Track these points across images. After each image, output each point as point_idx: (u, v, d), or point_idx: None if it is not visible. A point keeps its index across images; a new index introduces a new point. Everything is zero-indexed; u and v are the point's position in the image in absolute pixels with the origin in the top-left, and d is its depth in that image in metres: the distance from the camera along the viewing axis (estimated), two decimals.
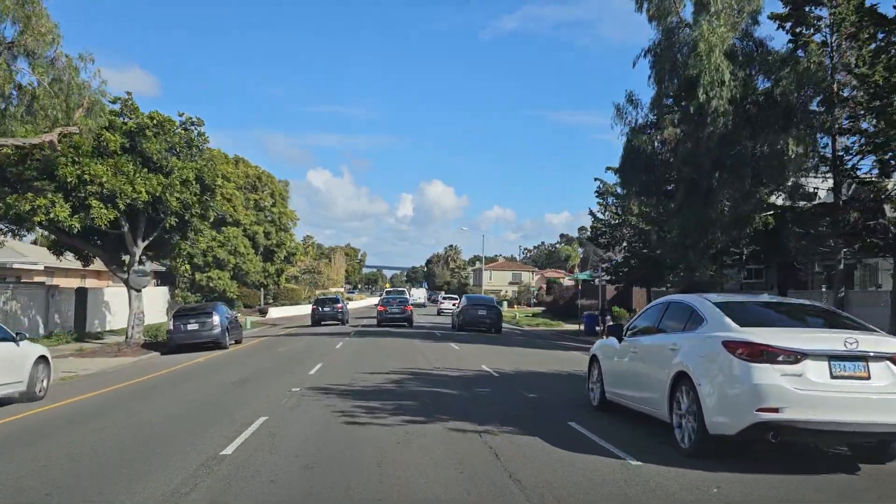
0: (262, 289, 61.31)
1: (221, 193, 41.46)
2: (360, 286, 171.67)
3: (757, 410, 6.53)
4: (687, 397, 7.34)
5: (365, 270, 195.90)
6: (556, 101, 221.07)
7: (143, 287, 26.12)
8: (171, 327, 24.05)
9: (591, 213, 37.26)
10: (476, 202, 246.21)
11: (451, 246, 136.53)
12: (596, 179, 36.96)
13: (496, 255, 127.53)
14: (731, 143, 22.44)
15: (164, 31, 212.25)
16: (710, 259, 23.04)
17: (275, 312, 57.58)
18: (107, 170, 22.00)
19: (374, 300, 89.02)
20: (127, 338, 25.46)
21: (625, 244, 36.46)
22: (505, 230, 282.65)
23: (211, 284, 40.53)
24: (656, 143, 23.96)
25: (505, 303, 73.85)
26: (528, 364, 18.11)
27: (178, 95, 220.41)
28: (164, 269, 43.05)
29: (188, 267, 38.73)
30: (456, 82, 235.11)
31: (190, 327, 24.01)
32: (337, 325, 38.71)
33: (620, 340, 9.64)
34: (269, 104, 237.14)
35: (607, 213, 36.58)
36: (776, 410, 6.47)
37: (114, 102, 24.14)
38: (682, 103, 23.98)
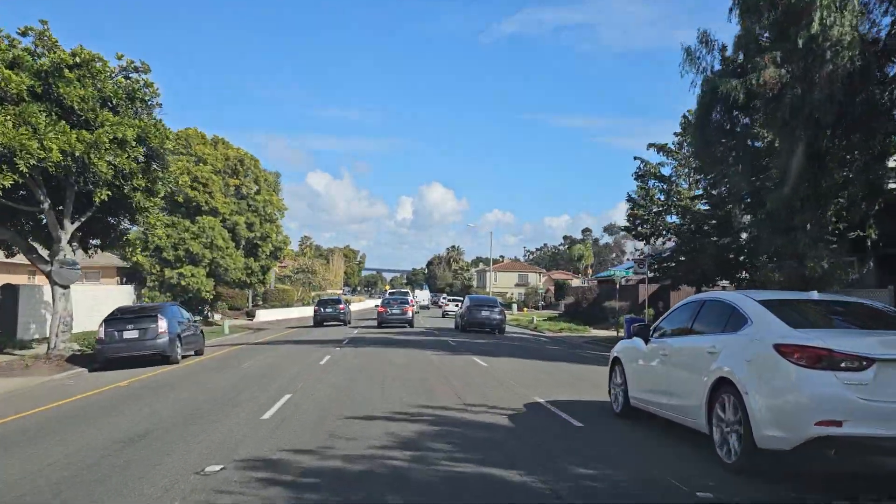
0: (249, 289, 55.26)
1: (197, 178, 35.27)
2: (359, 288, 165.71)
3: (816, 424, 5.58)
4: (730, 407, 6.33)
5: (364, 273, 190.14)
6: (556, 105, 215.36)
7: (72, 282, 19.82)
8: (102, 335, 17.75)
9: (630, 199, 31.01)
10: (476, 205, 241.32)
11: (453, 247, 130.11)
12: (636, 159, 30.80)
13: (501, 257, 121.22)
14: (858, 87, 16.24)
15: (163, 33, 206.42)
16: (826, 243, 16.74)
17: (263, 315, 51.29)
18: (4, 119, 15.74)
19: (373, 302, 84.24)
20: (49, 348, 19.19)
21: (670, 235, 30.21)
22: (505, 233, 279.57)
23: (183, 283, 34.21)
24: (741, 94, 17.65)
25: (514, 305, 67.52)
26: (604, 394, 11.79)
27: (177, 97, 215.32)
28: (128, 264, 36.75)
29: (141, 258, 32.53)
30: (456, 86, 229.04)
31: (127, 335, 17.75)
32: (340, 325, 36.97)
33: (647, 342, 8.56)
34: (269, 107, 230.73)
35: (648, 198, 30.34)
36: (838, 424, 5.54)
37: (24, 34, 17.89)
38: (780, 42, 17.78)
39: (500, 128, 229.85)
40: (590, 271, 79.11)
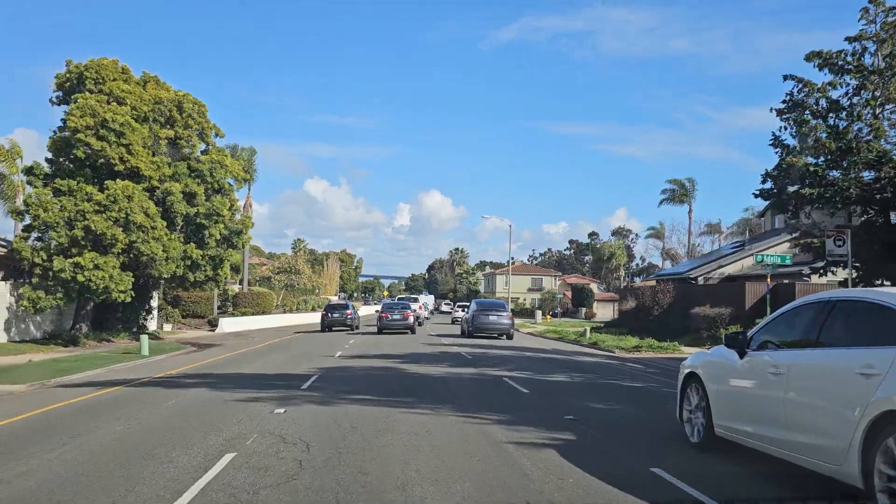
0: (214, 290, 43.24)
1: (105, 122, 23.02)
2: (355, 294, 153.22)
3: None
4: None
5: (361, 279, 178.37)
6: (554, 113, 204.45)
7: None
8: None
9: (777, 142, 18.86)
10: (474, 212, 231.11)
11: (456, 249, 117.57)
12: (788, 79, 18.72)
13: (512, 259, 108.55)
14: None
15: (158, 39, 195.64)
16: None
17: (229, 325, 39.13)
18: None
19: (368, 309, 73.31)
20: None
21: (846, 201, 18.00)
22: (503, 240, 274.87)
23: (82, 278, 22.00)
24: None
25: (539, 312, 55.46)
26: None
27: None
28: (3, 248, 24.43)
29: (17, 242, 20.43)
30: (455, 93, 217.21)
31: None
32: (346, 330, 36.09)
33: (742, 354, 6.43)
34: (266, 114, 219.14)
35: (811, 140, 18.21)
36: None
37: None
38: None
39: (498, 135, 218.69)
40: (622, 272, 66.71)
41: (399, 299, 49.06)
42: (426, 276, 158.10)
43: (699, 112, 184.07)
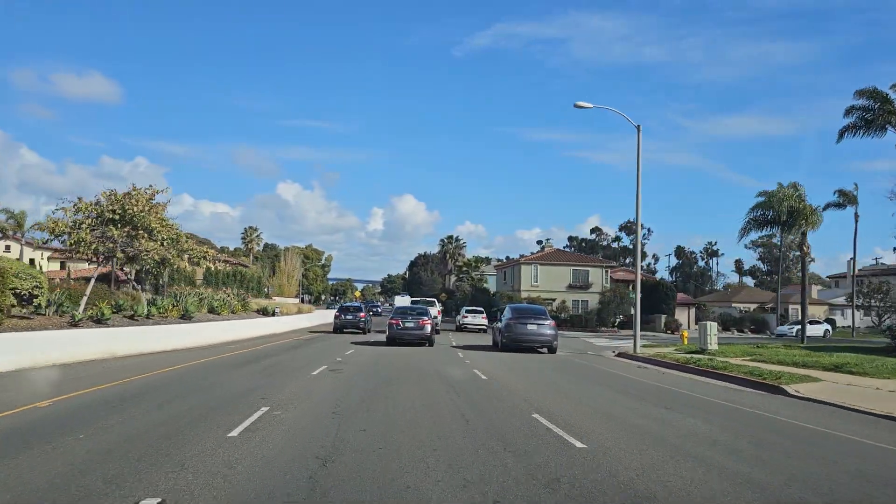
0: None
1: None
2: (323, 297, 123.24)
3: None
4: None
5: (332, 281, 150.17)
6: (528, 119, 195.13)
7: None
8: None
9: None
10: (447, 217, 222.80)
11: (450, 238, 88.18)
12: None
13: (541, 243, 79.86)
14: None
15: (131, 39, 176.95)
16: None
17: None
18: None
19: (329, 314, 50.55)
20: None
21: None
22: (477, 246, 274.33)
23: None
24: None
25: (713, 328, 26.02)
26: None
27: (141, 104, 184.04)
28: None
29: None
30: (428, 98, 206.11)
31: None
32: (358, 333, 34.33)
33: None
34: (240, 116, 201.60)
35: None
36: None
37: None
38: None
39: (471, 140, 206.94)
40: (807, 249, 37.14)
41: (413, 302, 44.36)
42: (406, 276, 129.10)
43: (673, 120, 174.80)
